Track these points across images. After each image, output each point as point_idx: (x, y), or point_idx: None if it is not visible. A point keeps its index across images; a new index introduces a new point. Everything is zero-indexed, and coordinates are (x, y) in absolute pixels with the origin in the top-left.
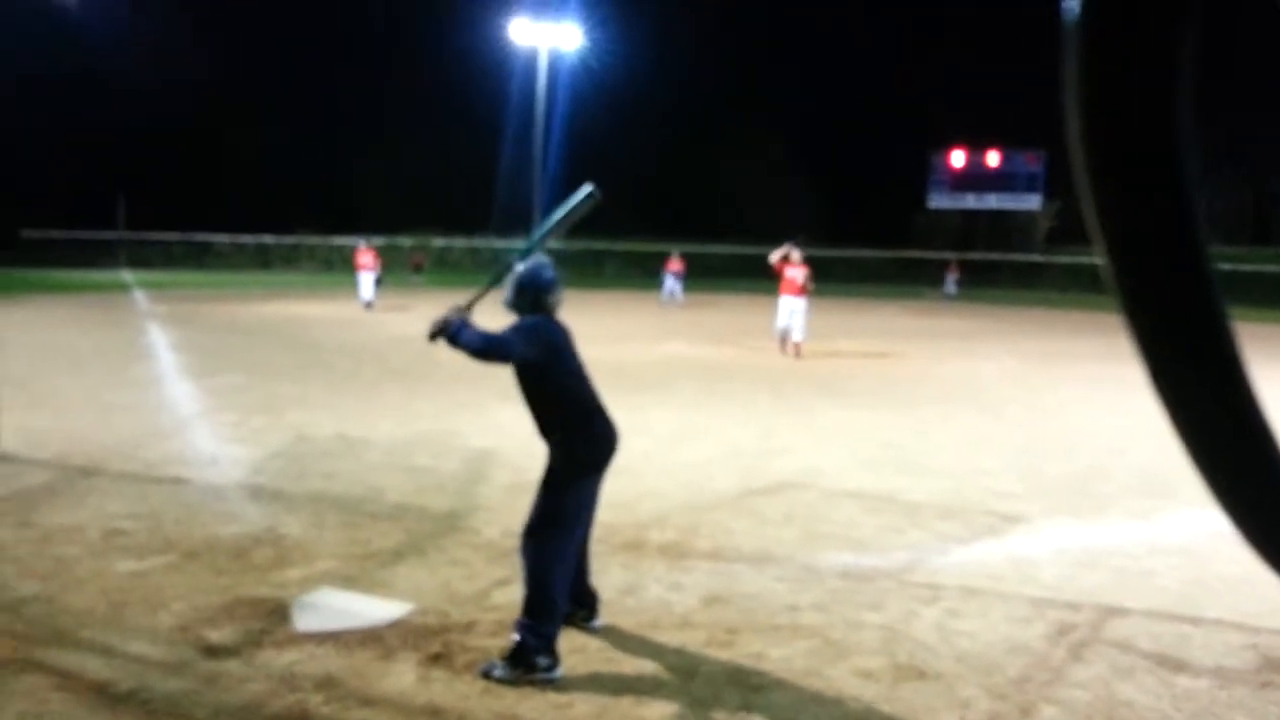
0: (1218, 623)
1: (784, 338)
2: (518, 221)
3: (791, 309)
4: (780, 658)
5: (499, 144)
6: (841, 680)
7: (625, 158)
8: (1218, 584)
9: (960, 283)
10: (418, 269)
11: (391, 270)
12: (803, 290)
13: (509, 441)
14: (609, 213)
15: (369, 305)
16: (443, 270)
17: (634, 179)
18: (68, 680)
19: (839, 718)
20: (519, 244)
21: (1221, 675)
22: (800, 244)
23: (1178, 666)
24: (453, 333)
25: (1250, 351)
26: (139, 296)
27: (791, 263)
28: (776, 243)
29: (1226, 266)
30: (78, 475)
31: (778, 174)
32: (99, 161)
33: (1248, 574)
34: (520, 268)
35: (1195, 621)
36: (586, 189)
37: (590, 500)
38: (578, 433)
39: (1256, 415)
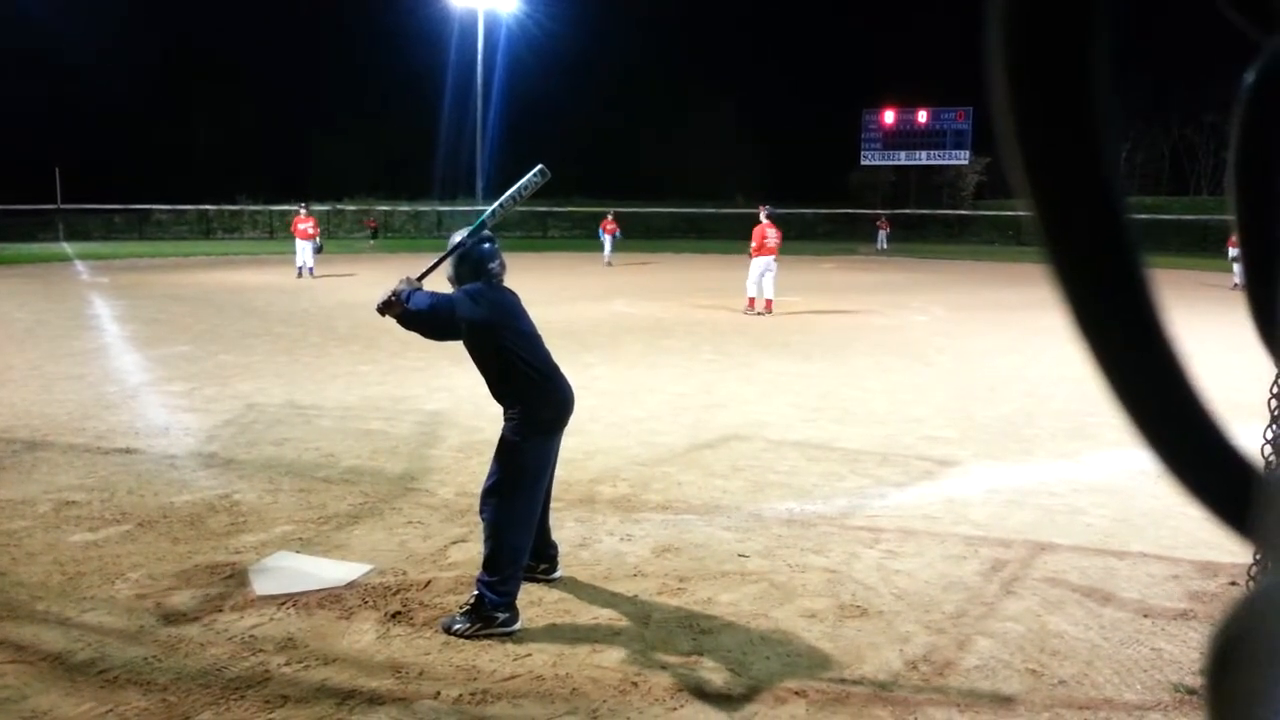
0: (1141, 556)
1: (754, 296)
2: (460, 186)
3: (764, 269)
4: (729, 602)
5: (440, 108)
6: (788, 621)
7: (567, 120)
8: (1141, 519)
9: (890, 236)
10: (374, 233)
11: (337, 236)
12: (773, 250)
13: (460, 404)
14: (552, 175)
15: (305, 272)
16: (387, 236)
17: (576, 141)
18: (23, 653)
19: (786, 656)
20: (462, 208)
21: (1146, 606)
22: (772, 209)
23: (1105, 598)
24: (404, 299)
25: (1168, 296)
26: (80, 268)
27: (768, 223)
28: (716, 203)
29: (1145, 216)
30: (24, 449)
31: (719, 135)
32: (34, 133)
33: (1169, 509)
34: (466, 238)
35: (1120, 555)
36: (537, 168)
37: (550, 460)
38: (536, 394)
39: (1172, 356)
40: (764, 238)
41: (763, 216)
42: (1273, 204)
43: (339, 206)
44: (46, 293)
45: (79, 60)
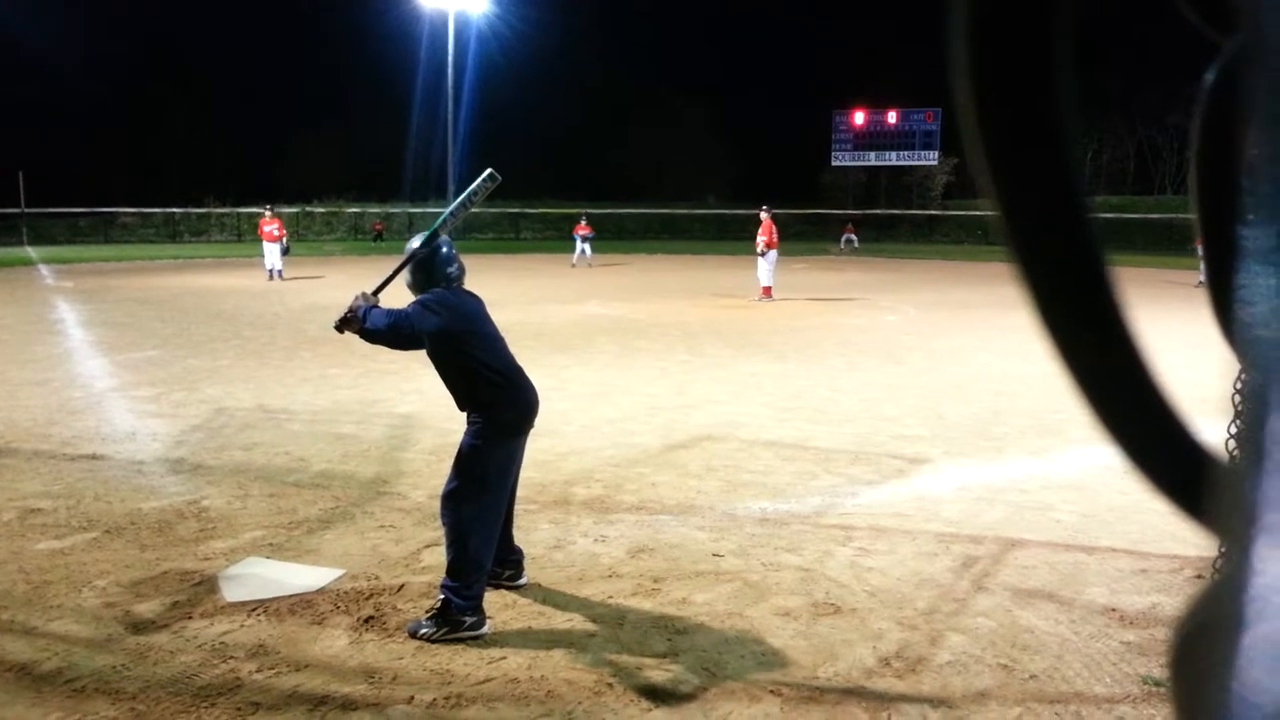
0: (1110, 550)
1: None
2: (431, 187)
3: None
4: (704, 602)
5: (410, 110)
6: (762, 620)
7: (539, 121)
8: (1108, 514)
9: (858, 238)
10: (378, 236)
11: (307, 239)
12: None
13: (432, 406)
14: (524, 176)
15: (275, 275)
16: (357, 238)
17: (548, 142)
18: None
19: (760, 655)
20: (433, 210)
21: (1114, 600)
22: (770, 210)
23: (1074, 593)
24: (361, 316)
25: (1133, 293)
26: (44, 272)
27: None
28: (689, 204)
29: (1111, 215)
30: None
31: (691, 136)
32: None
33: (1136, 504)
34: (419, 248)
35: (1089, 550)
36: (486, 172)
37: (513, 464)
38: (499, 398)
39: (1136, 353)
40: (772, 231)
41: (765, 215)
42: (1233, 202)
43: (308, 209)
44: (9, 297)
45: (43, 61)
